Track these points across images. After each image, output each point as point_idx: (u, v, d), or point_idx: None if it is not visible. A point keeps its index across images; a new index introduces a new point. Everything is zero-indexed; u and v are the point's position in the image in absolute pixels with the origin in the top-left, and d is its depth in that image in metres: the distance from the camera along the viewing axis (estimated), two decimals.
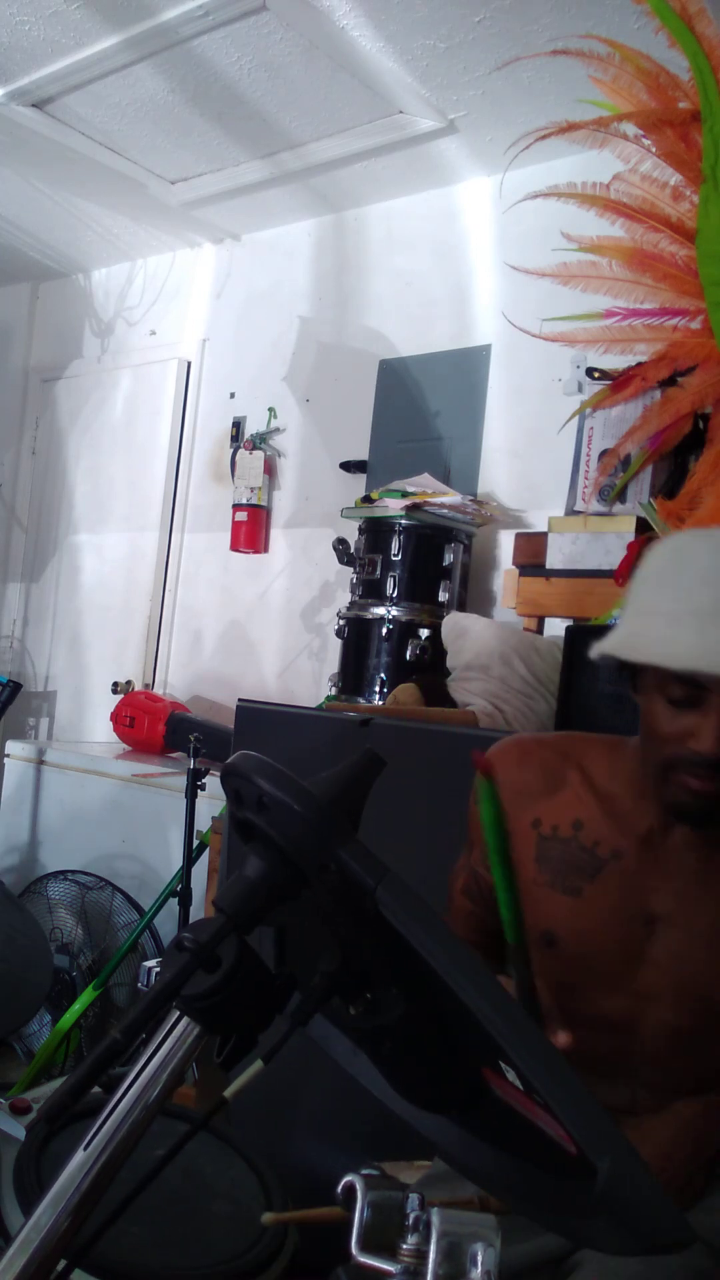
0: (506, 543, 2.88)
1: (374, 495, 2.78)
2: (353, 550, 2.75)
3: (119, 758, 3.30)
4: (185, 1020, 0.72)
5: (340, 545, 2.74)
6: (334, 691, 2.77)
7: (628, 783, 1.22)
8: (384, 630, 2.62)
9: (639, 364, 2.23)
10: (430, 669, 2.57)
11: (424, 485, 2.82)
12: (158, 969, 2.26)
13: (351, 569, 2.76)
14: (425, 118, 2.86)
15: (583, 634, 2.12)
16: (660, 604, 1.09)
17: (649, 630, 1.08)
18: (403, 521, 2.67)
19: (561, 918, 1.23)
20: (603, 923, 1.21)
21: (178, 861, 2.68)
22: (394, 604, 2.64)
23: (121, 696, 3.66)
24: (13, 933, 2.62)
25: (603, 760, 1.26)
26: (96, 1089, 0.71)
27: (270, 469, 3.63)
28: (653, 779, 1.15)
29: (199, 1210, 1.39)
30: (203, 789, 2.65)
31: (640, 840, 1.20)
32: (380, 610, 2.65)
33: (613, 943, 1.21)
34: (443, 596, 2.69)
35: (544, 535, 2.43)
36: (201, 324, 3.96)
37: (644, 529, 2.22)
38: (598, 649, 1.15)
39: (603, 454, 2.31)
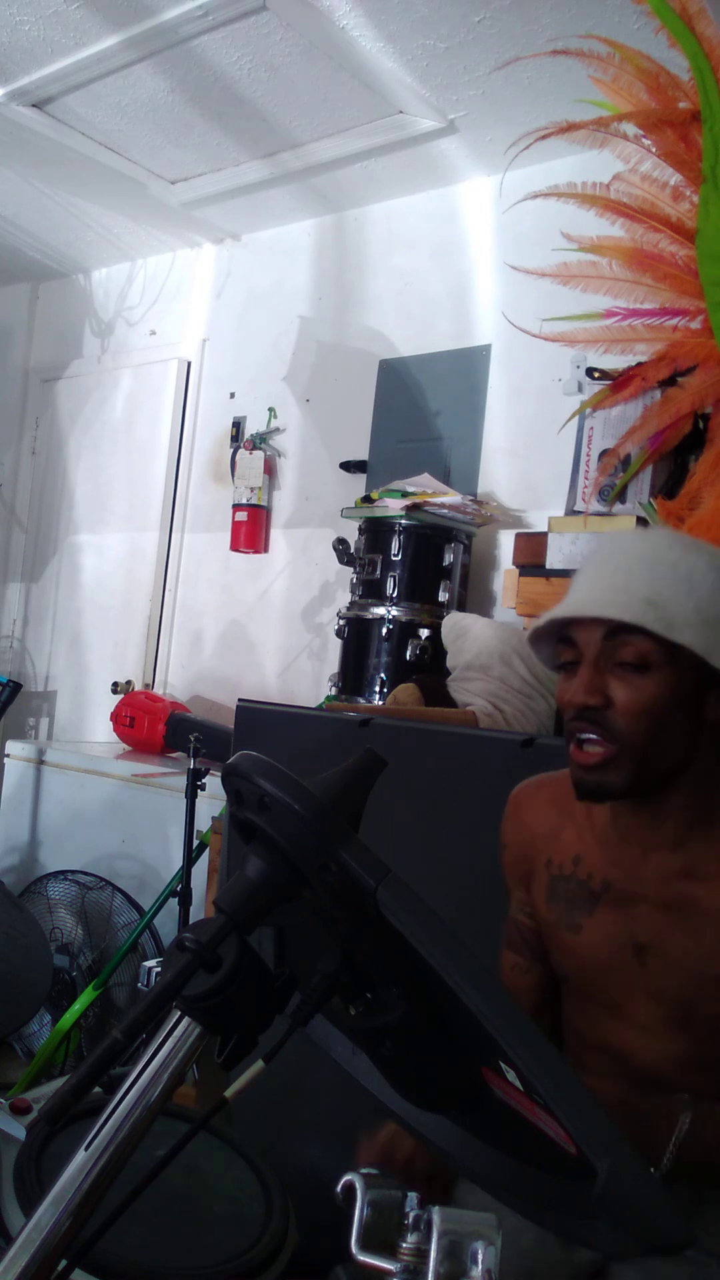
0: (506, 543, 2.88)
1: (374, 495, 2.78)
2: (353, 550, 2.75)
3: (119, 758, 3.30)
4: (186, 1020, 0.72)
5: (340, 545, 2.74)
6: (334, 691, 2.77)
7: (607, 806, 1.21)
8: (384, 630, 2.62)
9: (639, 364, 2.23)
10: (430, 669, 2.57)
11: (424, 485, 2.82)
12: (158, 969, 2.26)
13: (351, 569, 2.76)
14: (425, 118, 2.86)
15: None
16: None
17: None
18: (403, 521, 2.67)
19: (569, 956, 1.22)
20: (599, 957, 1.19)
21: (178, 861, 2.68)
22: (394, 604, 2.64)
23: (121, 696, 3.66)
24: (13, 933, 2.62)
25: None
26: (97, 1089, 0.72)
27: (270, 469, 3.63)
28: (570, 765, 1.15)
29: (199, 1210, 1.39)
30: (203, 789, 2.65)
31: (624, 869, 1.18)
32: (380, 610, 2.65)
33: (610, 977, 1.19)
34: (443, 596, 2.69)
35: (544, 535, 2.43)
36: (201, 324, 3.96)
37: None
38: (529, 634, 1.20)
39: (603, 454, 2.31)
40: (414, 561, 2.67)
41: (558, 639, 1.14)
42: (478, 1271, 0.71)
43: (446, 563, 2.70)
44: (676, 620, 1.04)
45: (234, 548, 3.65)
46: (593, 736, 1.08)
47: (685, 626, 1.04)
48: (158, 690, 3.86)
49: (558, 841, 1.25)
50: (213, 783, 2.65)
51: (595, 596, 1.09)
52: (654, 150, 2.08)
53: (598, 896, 1.19)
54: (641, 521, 2.23)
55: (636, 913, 1.15)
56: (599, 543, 1.16)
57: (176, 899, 2.57)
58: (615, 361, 2.32)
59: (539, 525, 2.74)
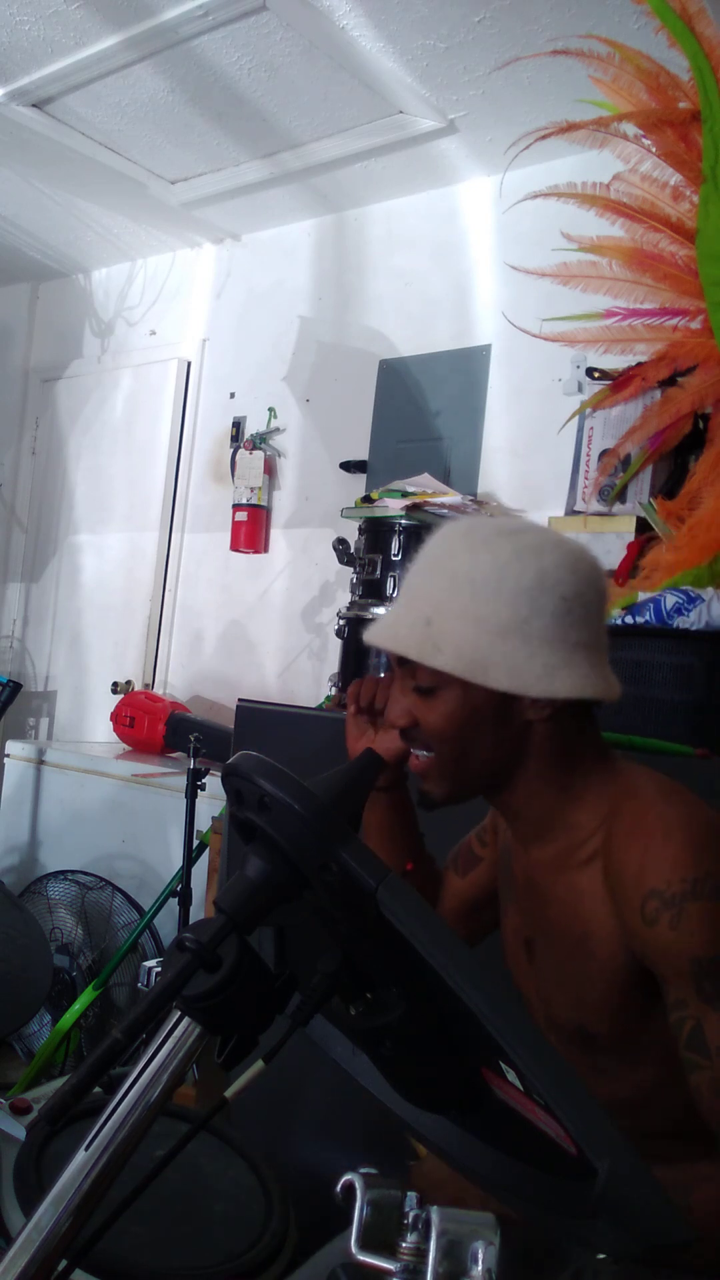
0: None
1: (374, 495, 2.78)
2: (353, 550, 2.75)
3: (119, 758, 3.30)
4: (186, 1020, 0.72)
5: (340, 545, 2.73)
6: (334, 691, 2.77)
7: None
8: None
9: (639, 364, 2.23)
10: None
11: (424, 485, 2.82)
12: (158, 969, 2.26)
13: (351, 569, 2.75)
14: (425, 118, 2.86)
15: None
16: None
17: None
18: (403, 521, 2.66)
19: (502, 939, 1.22)
20: (510, 945, 1.19)
21: (178, 861, 2.68)
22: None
23: (121, 696, 3.66)
24: (13, 933, 2.62)
25: None
26: (97, 1089, 0.72)
27: (270, 469, 3.63)
28: None
29: (199, 1210, 1.39)
30: (203, 789, 2.65)
31: (518, 862, 1.16)
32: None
33: (515, 967, 1.18)
34: None
35: None
36: (201, 324, 3.96)
37: (644, 529, 2.23)
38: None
39: (603, 454, 2.31)
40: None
41: None
42: (478, 1271, 0.71)
43: None
44: (447, 639, 1.01)
45: (234, 548, 3.65)
46: (415, 751, 1.09)
47: (451, 646, 1.00)
48: (158, 690, 3.86)
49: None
50: (213, 783, 2.65)
51: (385, 621, 1.08)
52: (654, 150, 2.08)
53: (513, 881, 1.18)
54: (642, 522, 2.23)
55: (523, 905, 1.15)
56: (426, 546, 1.12)
57: (176, 899, 2.57)
58: (615, 361, 2.32)
59: None
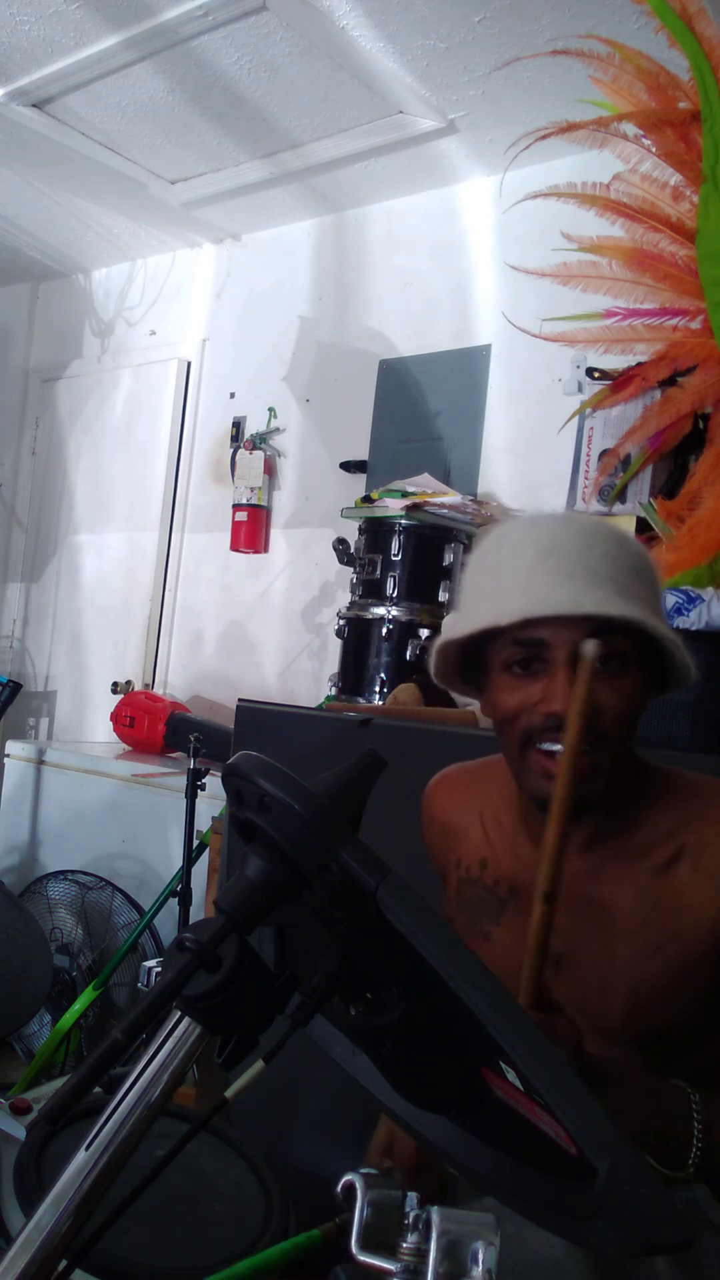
0: None
1: (374, 495, 2.78)
2: (353, 550, 2.75)
3: (119, 758, 3.30)
4: (186, 1020, 0.72)
5: (340, 545, 2.73)
6: (334, 691, 2.77)
7: (515, 808, 1.14)
8: (384, 630, 2.62)
9: (639, 364, 2.23)
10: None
11: (424, 485, 2.82)
12: (158, 969, 2.26)
13: (351, 569, 2.76)
14: (425, 118, 2.86)
15: None
16: (483, 585, 1.06)
17: (476, 606, 1.05)
18: (403, 521, 2.66)
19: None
20: (512, 968, 1.13)
21: (178, 861, 2.68)
22: (394, 604, 2.64)
23: (121, 696, 3.66)
24: (13, 933, 2.62)
25: (503, 785, 1.16)
26: (97, 1089, 0.71)
27: (270, 469, 3.63)
28: (516, 774, 1.06)
29: (199, 1210, 1.39)
30: (203, 789, 2.65)
31: (534, 872, 1.11)
32: (380, 610, 2.65)
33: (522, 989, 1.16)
34: (443, 596, 2.69)
35: None
36: (201, 324, 3.96)
37: (644, 529, 2.22)
38: (436, 646, 1.10)
39: (603, 454, 2.31)
40: (414, 561, 2.66)
41: (498, 639, 1.04)
42: (478, 1271, 0.71)
43: (446, 563, 2.70)
44: (650, 614, 0.99)
45: (234, 548, 3.65)
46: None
47: (660, 621, 1.00)
48: (158, 690, 3.86)
49: (466, 841, 1.19)
50: (213, 783, 2.65)
51: (569, 593, 0.98)
52: (654, 150, 2.08)
53: (504, 903, 1.13)
54: (642, 522, 2.23)
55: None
56: (516, 536, 1.05)
57: (176, 899, 2.57)
58: (615, 361, 2.32)
59: None
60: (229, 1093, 0.73)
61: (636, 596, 0.99)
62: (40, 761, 3.33)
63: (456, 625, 1.07)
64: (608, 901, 1.06)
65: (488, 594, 1.04)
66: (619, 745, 1.02)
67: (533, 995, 0.92)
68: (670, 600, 1.80)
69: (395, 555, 2.65)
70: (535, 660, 1.02)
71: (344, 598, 2.93)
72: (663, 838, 1.04)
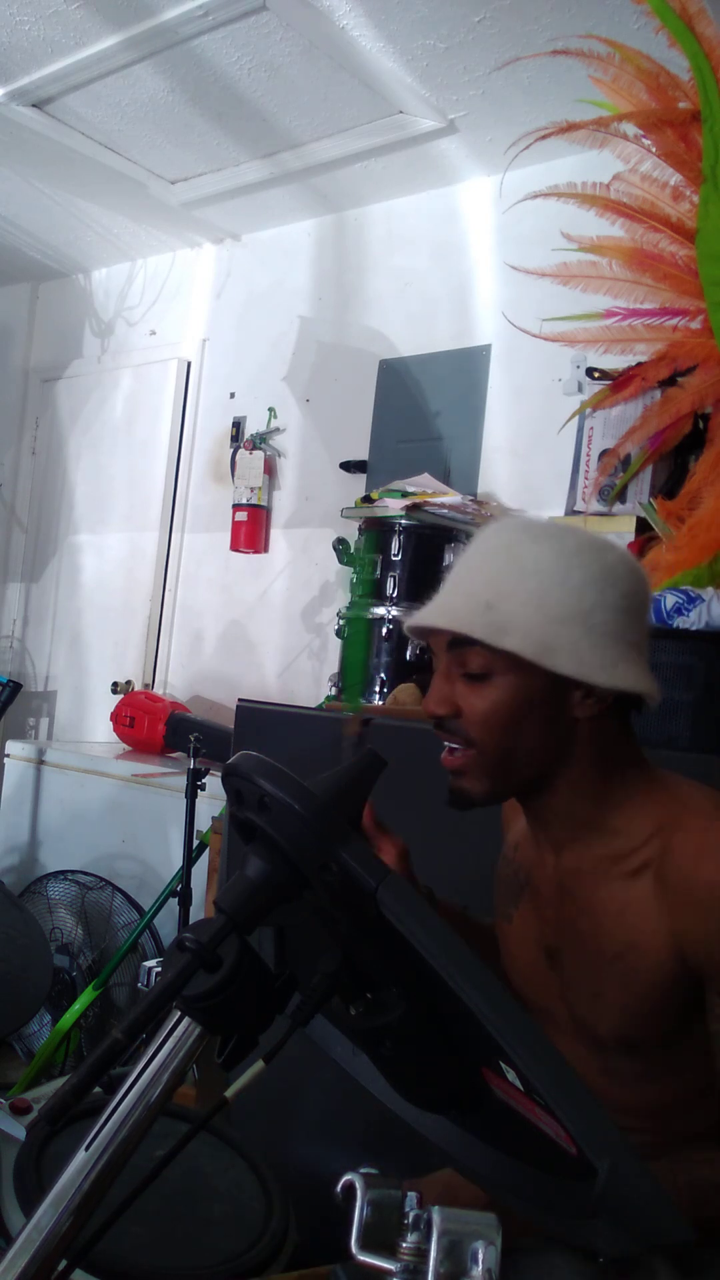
0: None
1: (374, 495, 2.77)
2: (353, 550, 2.75)
3: (119, 758, 3.30)
4: (186, 1020, 0.72)
5: (340, 545, 2.73)
6: (334, 691, 2.77)
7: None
8: (384, 630, 2.62)
9: (639, 364, 2.23)
10: (430, 669, 2.56)
11: (424, 485, 2.82)
12: (158, 969, 2.26)
13: (351, 569, 2.75)
14: (425, 118, 2.86)
15: None
16: None
17: None
18: (403, 521, 2.66)
19: (503, 947, 1.19)
20: (520, 956, 1.16)
21: (178, 861, 2.68)
22: (394, 604, 2.64)
23: (121, 696, 3.66)
24: (12, 933, 2.62)
25: None
26: (97, 1089, 0.72)
27: (270, 469, 3.63)
28: None
29: (199, 1210, 1.39)
30: (203, 789, 2.65)
31: (536, 867, 1.14)
32: (380, 610, 2.65)
33: (532, 981, 1.15)
34: None
35: None
36: (201, 324, 3.96)
37: (644, 529, 2.22)
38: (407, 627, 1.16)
39: (603, 454, 2.31)
40: (414, 562, 2.66)
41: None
42: (478, 1271, 0.71)
43: (446, 563, 2.69)
44: (512, 622, 1.00)
45: (234, 548, 3.65)
46: (451, 744, 1.06)
47: (518, 629, 0.99)
48: (158, 690, 3.86)
49: (516, 820, 1.23)
50: (213, 783, 2.65)
51: (440, 603, 1.06)
52: (654, 150, 2.08)
53: (522, 888, 1.16)
54: (642, 522, 2.23)
55: (545, 913, 1.12)
56: (475, 538, 1.11)
57: (176, 899, 2.57)
58: (615, 361, 2.32)
59: None
60: (229, 1092, 0.73)
61: (517, 604, 1.00)
62: (40, 761, 3.33)
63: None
64: (586, 904, 1.07)
65: None
66: (495, 749, 1.03)
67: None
68: (670, 600, 1.80)
69: (395, 555, 2.65)
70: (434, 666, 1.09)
71: (344, 598, 2.92)
72: (637, 845, 1.04)
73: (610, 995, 1.04)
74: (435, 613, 1.05)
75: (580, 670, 1.00)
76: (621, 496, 2.29)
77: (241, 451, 3.66)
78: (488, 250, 3.14)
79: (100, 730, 3.89)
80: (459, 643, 1.03)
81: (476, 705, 1.03)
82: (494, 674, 1.02)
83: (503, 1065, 0.70)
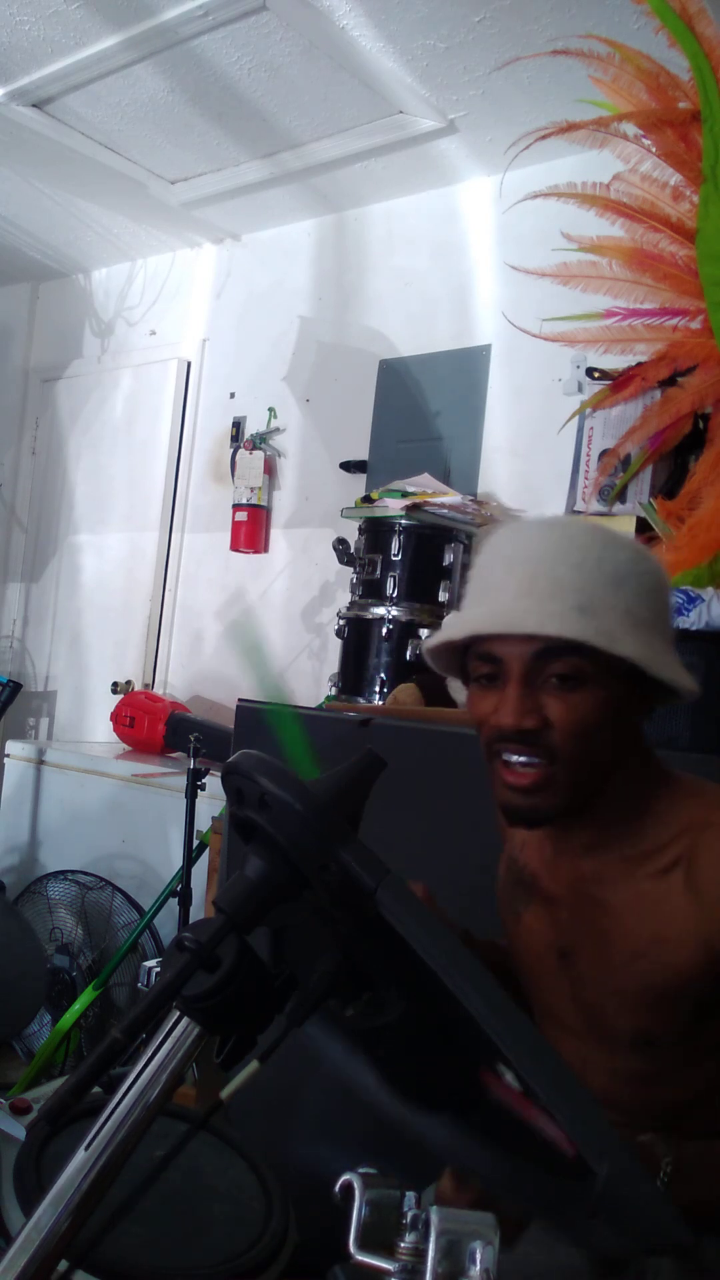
0: None
1: (374, 495, 2.78)
2: (353, 550, 2.75)
3: (119, 758, 3.30)
4: (185, 1020, 0.72)
5: (340, 545, 2.73)
6: (334, 691, 2.77)
7: None
8: (384, 630, 2.62)
9: (639, 364, 2.23)
10: (430, 669, 2.56)
11: (424, 485, 2.82)
12: (158, 969, 2.26)
13: (351, 569, 2.76)
14: (425, 118, 2.86)
15: None
16: (469, 592, 1.08)
17: (458, 614, 1.07)
18: (403, 521, 2.66)
19: (512, 947, 1.19)
20: (530, 956, 1.16)
21: (178, 861, 2.68)
22: (394, 604, 2.64)
23: (121, 696, 3.66)
24: (7, 939, 2.62)
25: None
26: (97, 1089, 0.72)
27: (270, 469, 3.63)
28: (490, 781, 1.06)
29: (199, 1210, 1.39)
30: (203, 789, 2.65)
31: (546, 867, 1.14)
32: (380, 610, 2.65)
33: (542, 980, 1.15)
34: (443, 596, 2.69)
35: None
36: (201, 324, 3.96)
37: (644, 529, 2.22)
38: (425, 649, 1.12)
39: (603, 454, 2.31)
40: (414, 561, 2.66)
41: (466, 650, 1.06)
42: (476, 1271, 0.71)
43: (447, 563, 2.70)
44: (613, 629, 0.96)
45: (234, 548, 3.65)
46: (525, 759, 1.00)
47: (623, 636, 0.97)
48: (158, 690, 3.86)
49: None
50: (213, 783, 2.65)
51: (522, 607, 0.98)
52: (654, 150, 2.08)
53: (530, 889, 1.15)
54: (642, 522, 2.23)
55: (558, 915, 1.12)
56: (505, 539, 1.05)
57: (176, 899, 2.57)
58: (615, 361, 2.32)
59: None
60: (224, 1092, 0.73)
61: (607, 609, 0.97)
62: (40, 761, 3.33)
63: (436, 634, 1.09)
64: (608, 904, 1.06)
65: (468, 602, 1.08)
66: (580, 761, 1.00)
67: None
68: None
69: (395, 555, 2.65)
70: (496, 674, 1.02)
71: (344, 598, 2.93)
72: (665, 844, 1.04)
73: (631, 990, 1.04)
74: (530, 617, 0.98)
75: (673, 676, 1.00)
76: (621, 496, 2.29)
77: (241, 451, 3.66)
78: (488, 250, 3.14)
79: (100, 730, 3.90)
80: (553, 651, 0.98)
81: (568, 716, 0.98)
82: (587, 682, 0.98)
83: (501, 1067, 0.70)
